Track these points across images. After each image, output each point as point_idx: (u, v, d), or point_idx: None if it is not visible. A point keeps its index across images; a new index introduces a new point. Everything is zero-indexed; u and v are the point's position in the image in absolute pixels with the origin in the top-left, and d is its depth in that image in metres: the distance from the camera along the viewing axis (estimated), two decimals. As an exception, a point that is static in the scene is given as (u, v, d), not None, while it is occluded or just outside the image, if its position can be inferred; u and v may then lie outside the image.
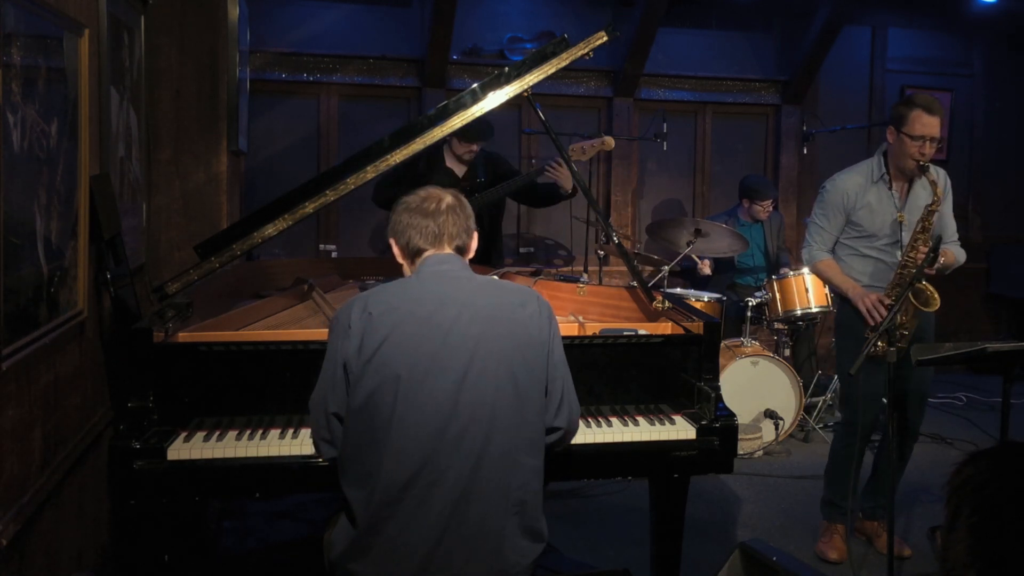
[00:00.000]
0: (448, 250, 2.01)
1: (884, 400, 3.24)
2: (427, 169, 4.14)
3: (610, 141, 3.92)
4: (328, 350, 1.93)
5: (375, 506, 1.82)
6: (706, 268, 5.18)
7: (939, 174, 3.27)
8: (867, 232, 3.31)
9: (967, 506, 1.02)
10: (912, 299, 3.00)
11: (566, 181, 4.17)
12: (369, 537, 1.83)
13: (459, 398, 1.84)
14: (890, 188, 3.29)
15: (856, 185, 3.31)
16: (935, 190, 3.13)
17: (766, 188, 5.26)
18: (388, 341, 1.84)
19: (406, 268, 2.07)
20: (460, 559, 1.82)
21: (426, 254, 2.01)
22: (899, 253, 3.27)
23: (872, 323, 3.14)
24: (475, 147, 4.16)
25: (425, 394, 1.83)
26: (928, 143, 3.15)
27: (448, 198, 2.02)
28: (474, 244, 2.08)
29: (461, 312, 1.89)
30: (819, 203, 3.41)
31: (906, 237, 3.24)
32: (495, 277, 2.91)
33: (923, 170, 3.18)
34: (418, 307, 1.89)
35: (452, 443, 1.82)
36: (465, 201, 2.06)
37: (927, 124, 3.14)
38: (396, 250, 2.06)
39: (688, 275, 5.42)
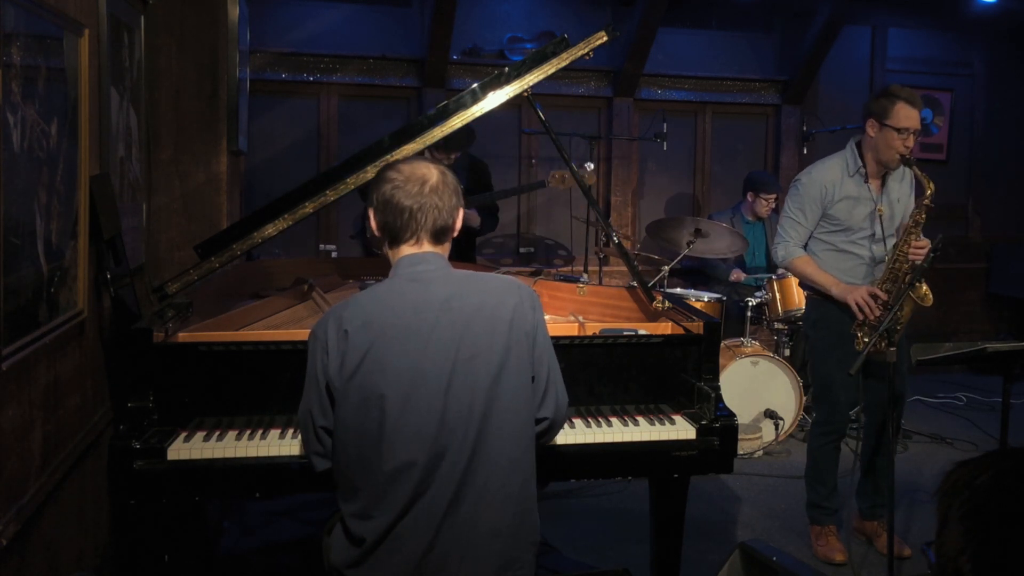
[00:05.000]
0: (425, 245, 1.93)
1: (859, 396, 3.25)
2: None
3: (591, 176, 3.95)
4: (308, 366, 1.88)
5: (368, 520, 1.81)
6: (740, 276, 5.16)
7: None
8: (844, 226, 3.29)
9: (957, 502, 1.04)
10: (910, 295, 2.99)
11: (472, 221, 4.17)
12: (364, 549, 1.82)
13: (446, 405, 1.81)
14: (866, 181, 3.28)
15: (833, 178, 3.29)
16: (928, 184, 3.11)
17: (771, 181, 5.28)
18: (368, 359, 1.80)
19: (384, 249, 1.99)
20: (455, 560, 1.81)
21: (401, 251, 1.93)
22: (875, 247, 3.27)
23: (861, 318, 3.13)
24: (453, 156, 4.09)
25: (411, 407, 1.79)
26: (912, 135, 3.15)
27: (432, 179, 1.91)
28: (458, 223, 1.99)
29: (439, 316, 1.84)
30: (794, 197, 3.36)
31: (880, 230, 3.24)
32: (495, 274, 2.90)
33: (907, 163, 3.18)
34: (394, 318, 1.83)
35: (441, 450, 1.80)
36: (450, 176, 1.95)
37: (911, 116, 3.15)
38: (373, 224, 1.96)
39: (690, 275, 5.41)
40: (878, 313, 3.09)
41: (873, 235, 3.27)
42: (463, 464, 1.81)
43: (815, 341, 3.45)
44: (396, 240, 1.94)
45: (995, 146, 6.64)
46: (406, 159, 1.99)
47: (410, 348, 1.82)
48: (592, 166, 4.04)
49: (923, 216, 3.12)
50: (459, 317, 1.85)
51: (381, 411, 1.79)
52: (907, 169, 3.30)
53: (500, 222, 5.69)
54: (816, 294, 3.38)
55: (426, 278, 1.90)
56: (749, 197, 5.26)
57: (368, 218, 1.99)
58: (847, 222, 3.28)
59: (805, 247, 3.37)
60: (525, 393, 1.90)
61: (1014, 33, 6.46)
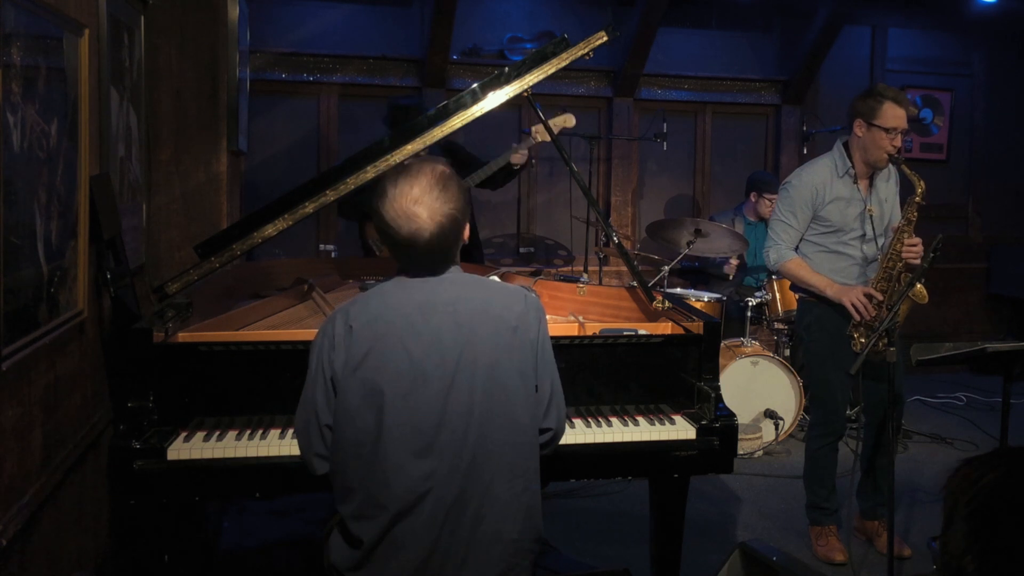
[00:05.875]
0: (431, 269, 1.90)
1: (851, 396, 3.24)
2: None
3: (571, 118, 3.81)
4: (312, 365, 1.86)
5: (365, 521, 1.80)
6: (733, 267, 5.18)
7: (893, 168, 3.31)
8: (835, 227, 3.28)
9: (963, 500, 1.04)
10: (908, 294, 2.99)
11: (521, 156, 4.03)
12: (363, 551, 1.81)
13: (446, 407, 1.80)
14: (855, 181, 3.28)
15: (823, 179, 3.29)
16: (918, 182, 3.11)
17: (775, 181, 5.28)
18: (370, 355, 1.79)
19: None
20: (455, 565, 1.81)
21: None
22: (866, 247, 3.27)
23: (857, 319, 3.13)
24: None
25: (411, 407, 1.79)
26: (899, 135, 3.16)
27: (426, 225, 1.80)
28: (466, 233, 1.93)
29: (444, 319, 1.84)
30: (784, 200, 3.36)
31: (871, 230, 3.24)
32: (496, 279, 2.91)
33: (895, 162, 3.18)
34: (399, 317, 1.83)
35: (441, 454, 1.79)
36: (447, 205, 1.82)
37: (898, 116, 3.16)
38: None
39: (690, 275, 5.42)
40: (874, 313, 3.09)
41: (864, 235, 3.27)
42: (463, 467, 1.80)
43: (811, 344, 3.43)
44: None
45: (995, 146, 6.63)
46: (399, 187, 1.83)
47: (413, 347, 1.81)
48: (572, 117, 3.86)
49: (915, 214, 3.12)
50: (464, 320, 1.85)
51: (379, 408, 1.78)
52: (892, 168, 3.31)
53: (501, 222, 5.71)
54: (810, 296, 3.37)
55: (434, 280, 1.89)
56: (752, 197, 5.26)
57: (365, 229, 1.97)
58: (838, 223, 3.27)
59: (796, 250, 3.37)
60: (527, 399, 1.89)
61: (1014, 33, 6.46)
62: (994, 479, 1.04)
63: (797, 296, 3.55)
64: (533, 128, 3.77)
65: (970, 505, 1.03)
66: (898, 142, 3.17)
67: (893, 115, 3.15)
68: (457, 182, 1.88)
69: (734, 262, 5.21)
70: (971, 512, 1.03)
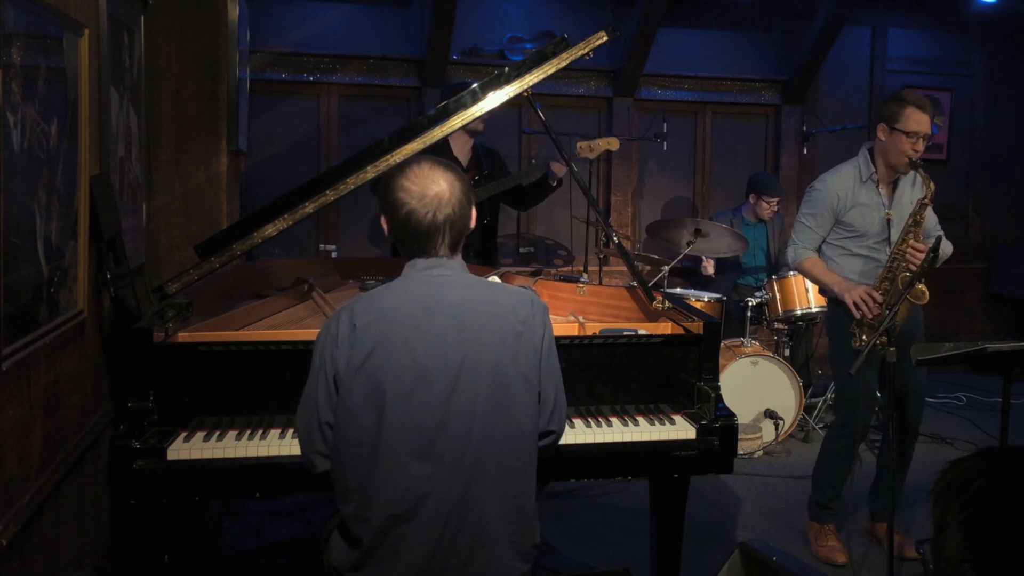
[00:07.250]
0: (441, 253, 1.90)
1: (879, 397, 3.24)
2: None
3: (615, 141, 3.90)
4: (315, 362, 1.86)
5: (365, 523, 1.79)
6: (709, 268, 5.19)
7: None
8: (858, 232, 3.33)
9: (956, 504, 1.04)
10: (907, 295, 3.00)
11: (562, 167, 4.12)
12: (363, 552, 1.81)
13: (448, 409, 1.79)
14: (877, 186, 3.31)
15: (846, 186, 3.33)
16: (928, 184, 3.14)
17: (775, 184, 5.28)
18: (374, 355, 1.79)
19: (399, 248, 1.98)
20: (456, 568, 1.80)
21: (416, 257, 1.92)
22: (888, 250, 3.29)
23: (858, 316, 3.15)
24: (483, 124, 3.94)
25: (412, 408, 1.78)
26: (921, 140, 3.18)
27: (445, 193, 1.86)
28: (472, 223, 1.96)
29: (449, 320, 1.83)
30: (808, 203, 3.43)
31: (894, 234, 3.26)
32: (496, 279, 2.91)
33: (915, 166, 3.20)
34: (404, 317, 1.82)
35: (442, 456, 1.79)
36: (459, 182, 1.90)
37: (920, 121, 3.18)
38: (386, 230, 1.94)
39: (690, 275, 5.42)
40: (876, 312, 3.11)
41: (887, 239, 3.30)
42: (465, 470, 1.79)
43: (834, 342, 3.46)
44: (412, 254, 1.92)
45: (995, 146, 6.63)
46: (415, 163, 1.90)
47: (416, 347, 1.81)
48: (615, 140, 3.94)
49: (923, 216, 3.15)
50: (469, 322, 1.84)
51: (381, 408, 1.78)
52: (917, 173, 3.33)
53: (501, 222, 5.71)
54: (832, 299, 3.40)
55: (440, 280, 1.89)
56: (751, 199, 5.26)
57: (383, 224, 1.95)
58: (861, 228, 3.32)
59: (819, 251, 3.42)
60: (529, 404, 1.88)
61: (1014, 33, 6.46)
62: (985, 484, 1.03)
63: (827, 298, 3.57)
64: (581, 144, 3.82)
65: (964, 511, 1.02)
66: (920, 147, 3.19)
67: (915, 120, 3.18)
68: (457, 169, 1.94)
69: (710, 261, 5.20)
70: (965, 519, 1.02)
